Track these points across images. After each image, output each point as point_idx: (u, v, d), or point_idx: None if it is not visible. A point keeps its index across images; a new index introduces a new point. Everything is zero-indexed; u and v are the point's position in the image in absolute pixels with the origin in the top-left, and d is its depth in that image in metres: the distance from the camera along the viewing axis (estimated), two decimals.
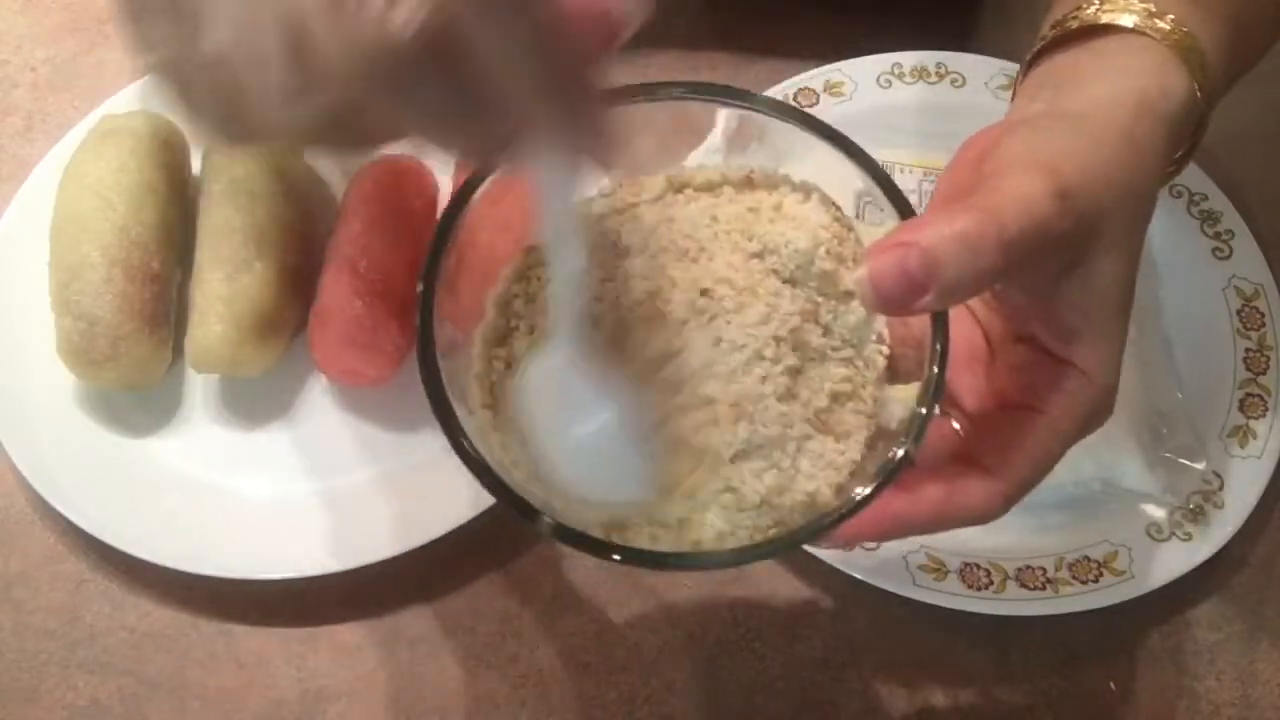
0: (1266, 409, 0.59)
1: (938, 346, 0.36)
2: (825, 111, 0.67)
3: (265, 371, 0.59)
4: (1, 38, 0.72)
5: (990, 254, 0.34)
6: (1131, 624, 0.56)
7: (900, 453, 0.36)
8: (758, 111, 0.41)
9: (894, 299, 0.34)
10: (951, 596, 0.54)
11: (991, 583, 0.55)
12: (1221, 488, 0.57)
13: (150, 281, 0.58)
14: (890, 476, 0.36)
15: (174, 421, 0.60)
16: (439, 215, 0.40)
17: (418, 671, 0.55)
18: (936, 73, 0.69)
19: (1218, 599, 0.57)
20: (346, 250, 0.58)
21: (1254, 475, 0.57)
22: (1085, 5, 0.44)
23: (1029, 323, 0.40)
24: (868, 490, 0.36)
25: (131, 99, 0.66)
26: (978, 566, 0.55)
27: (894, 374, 0.40)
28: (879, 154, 0.65)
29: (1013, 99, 0.46)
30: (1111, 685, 0.55)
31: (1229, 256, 0.63)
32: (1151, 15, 0.42)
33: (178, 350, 0.59)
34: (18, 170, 0.65)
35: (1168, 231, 0.64)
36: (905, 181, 0.63)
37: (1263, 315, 0.62)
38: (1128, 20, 0.43)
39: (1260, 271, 0.63)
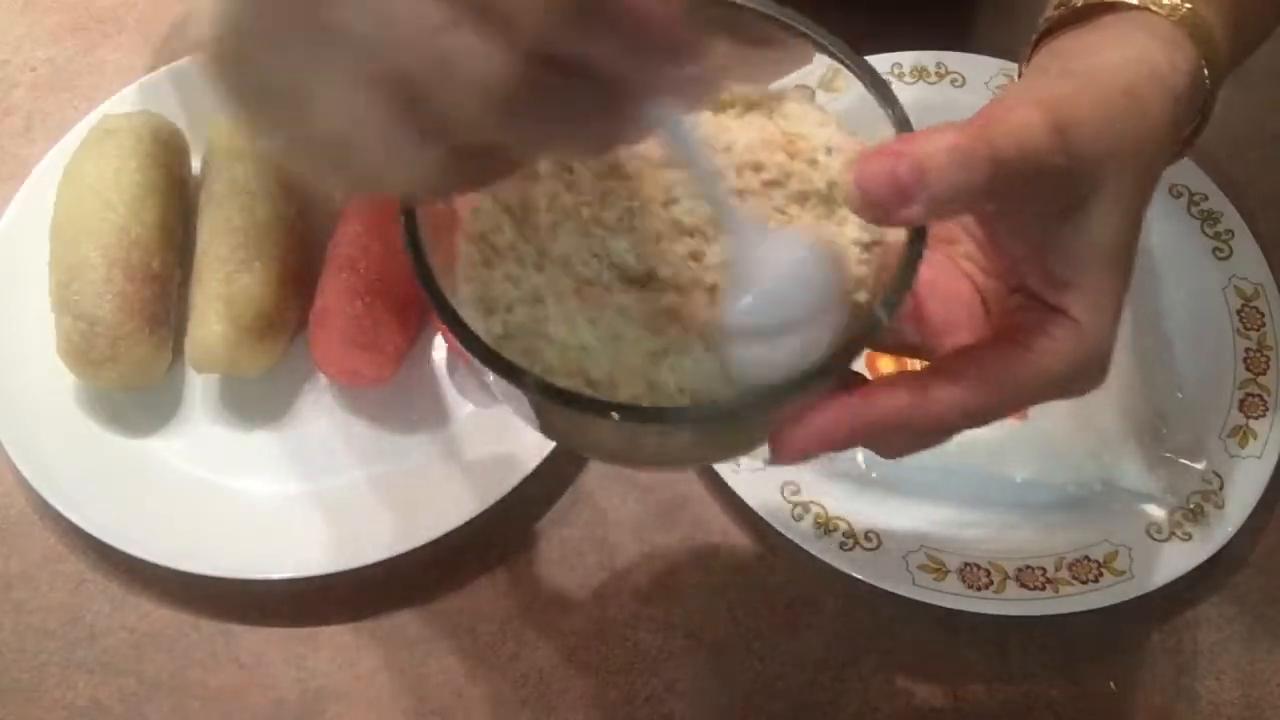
0: (1266, 409, 0.59)
1: (914, 247, 0.36)
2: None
3: (265, 371, 0.59)
4: (1, 38, 0.72)
5: (980, 170, 0.34)
6: (1131, 624, 0.56)
7: (877, 315, 0.35)
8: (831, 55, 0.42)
9: (881, 203, 0.34)
10: (951, 596, 0.54)
11: (991, 583, 0.55)
12: (1221, 488, 0.57)
13: (150, 281, 0.58)
14: (863, 339, 0.35)
15: (174, 421, 0.60)
16: None
17: (418, 671, 0.55)
18: (936, 72, 0.68)
19: (1218, 599, 0.57)
20: (346, 250, 0.58)
21: (1254, 475, 0.57)
22: None
23: (1024, 273, 0.40)
24: (836, 350, 0.35)
25: (131, 99, 0.66)
26: (978, 566, 0.55)
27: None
28: None
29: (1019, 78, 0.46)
30: (1111, 685, 0.55)
31: (1229, 256, 0.63)
32: None
33: (178, 350, 0.59)
34: (18, 170, 0.65)
35: (1168, 231, 0.64)
36: None
37: (1263, 315, 0.62)
38: None
39: (1260, 271, 0.63)
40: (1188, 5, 0.42)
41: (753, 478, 0.57)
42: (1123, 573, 0.55)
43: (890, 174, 0.34)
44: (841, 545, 0.55)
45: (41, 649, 0.55)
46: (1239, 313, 0.62)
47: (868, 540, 0.55)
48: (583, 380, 0.37)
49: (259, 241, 0.58)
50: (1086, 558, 0.55)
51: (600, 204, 0.39)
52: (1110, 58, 0.41)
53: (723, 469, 0.57)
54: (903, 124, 0.38)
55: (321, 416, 0.60)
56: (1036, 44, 0.46)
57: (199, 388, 0.61)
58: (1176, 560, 0.55)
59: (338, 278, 0.58)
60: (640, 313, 0.37)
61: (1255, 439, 0.58)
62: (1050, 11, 0.45)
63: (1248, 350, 0.61)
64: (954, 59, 0.69)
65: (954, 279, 0.42)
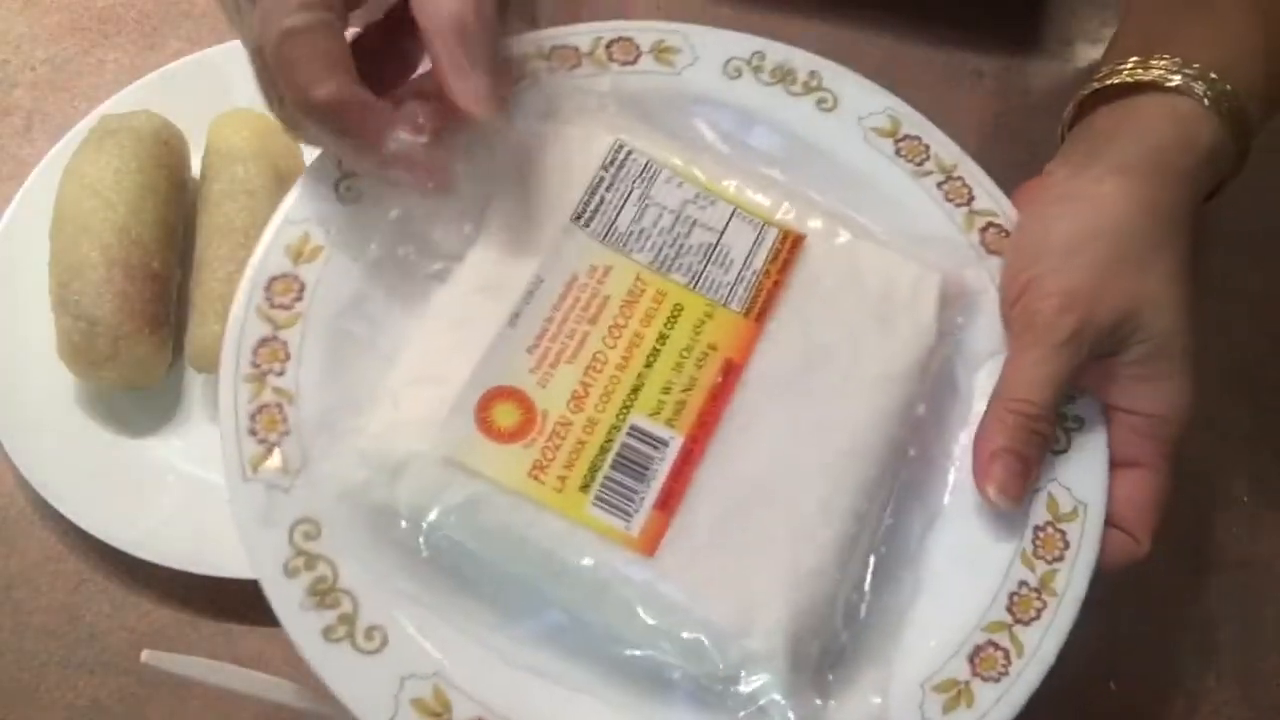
0: (1006, 668, 0.43)
1: None
2: (642, 75, 0.50)
3: None
4: (1, 38, 0.72)
5: (1046, 421, 0.44)
6: (1131, 624, 0.56)
7: None
8: None
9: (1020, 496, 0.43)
10: None
11: None
12: None
13: (150, 281, 0.58)
14: None
15: (174, 421, 0.60)
16: None
17: None
18: (806, 83, 0.51)
19: (1218, 599, 0.57)
20: None
21: None
22: (1123, 62, 0.48)
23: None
24: None
25: (131, 99, 0.66)
26: None
27: None
28: (673, 161, 0.48)
29: (1061, 139, 0.51)
30: (1111, 685, 0.55)
31: None
32: (1181, 69, 0.46)
33: (178, 350, 0.60)
34: (18, 170, 0.65)
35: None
36: (709, 216, 0.46)
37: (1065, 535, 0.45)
38: (1158, 78, 0.47)
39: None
40: (1212, 75, 0.46)
41: None
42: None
43: (1013, 488, 0.43)
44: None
45: (41, 649, 0.55)
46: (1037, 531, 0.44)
47: None
48: None
49: (259, 241, 0.58)
50: None
51: None
52: (1124, 155, 0.47)
53: None
54: None
55: None
56: (1077, 113, 0.50)
57: (199, 388, 0.61)
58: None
59: None
60: None
61: (970, 707, 0.41)
62: (1094, 82, 0.49)
63: (1022, 584, 0.43)
64: (833, 74, 0.52)
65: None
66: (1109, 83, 0.48)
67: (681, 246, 0.45)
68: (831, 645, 0.41)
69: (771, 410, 0.43)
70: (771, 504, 0.41)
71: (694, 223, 0.46)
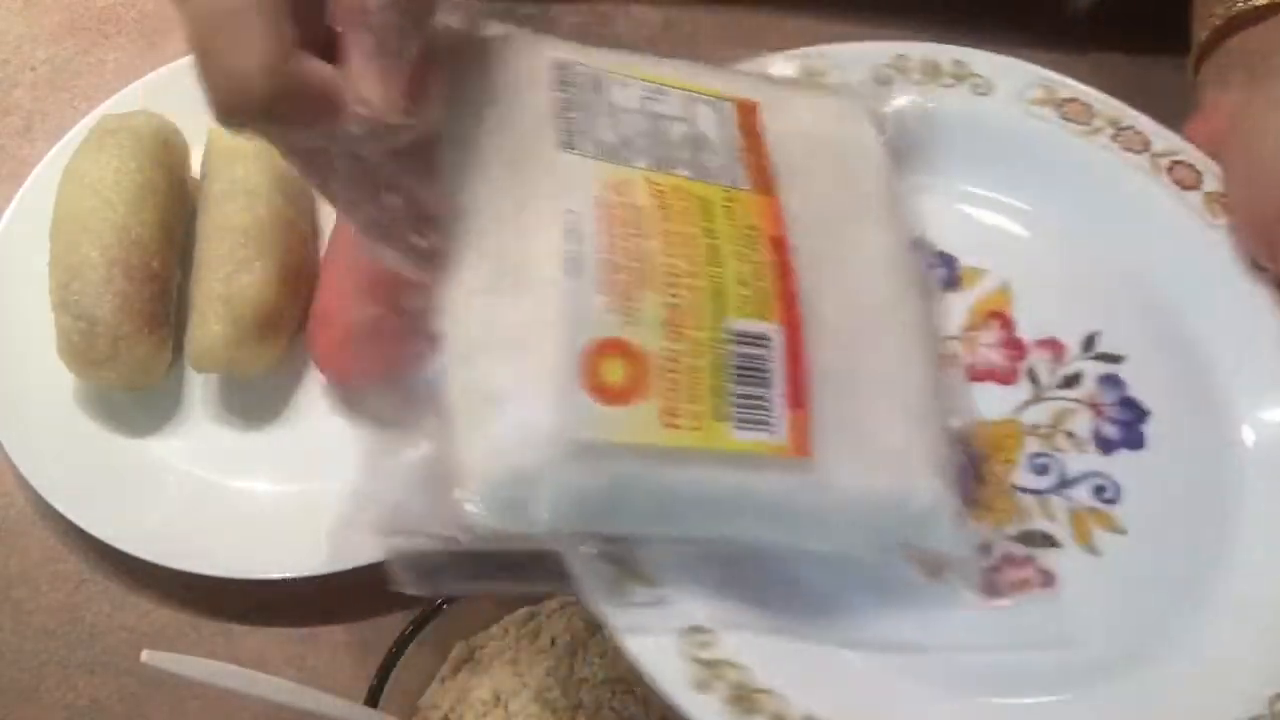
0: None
1: None
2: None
3: (265, 371, 0.59)
4: (1, 38, 0.72)
5: None
6: None
7: None
8: None
9: None
10: None
11: None
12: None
13: (150, 281, 0.58)
14: None
15: (174, 421, 0.60)
16: None
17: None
18: (953, 73, 0.53)
19: None
20: (346, 250, 0.58)
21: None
22: None
23: None
24: None
25: (131, 99, 0.66)
26: None
27: None
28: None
29: (1194, 77, 0.51)
30: None
31: None
32: None
33: (178, 350, 0.60)
34: (18, 170, 0.65)
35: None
36: (671, 107, 0.44)
37: None
38: None
39: None
40: None
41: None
42: None
43: None
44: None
45: (41, 649, 0.55)
46: None
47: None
48: None
49: (259, 241, 0.58)
50: None
51: None
52: None
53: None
54: None
55: (321, 416, 0.60)
56: (1206, 49, 0.50)
57: (199, 388, 0.61)
58: None
59: (338, 277, 0.58)
60: None
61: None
62: (1221, 11, 0.49)
63: None
64: (975, 58, 0.53)
65: None
66: (1241, 6, 0.48)
67: (668, 144, 0.42)
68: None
69: (822, 278, 0.42)
70: (864, 367, 0.41)
71: (661, 117, 0.43)
